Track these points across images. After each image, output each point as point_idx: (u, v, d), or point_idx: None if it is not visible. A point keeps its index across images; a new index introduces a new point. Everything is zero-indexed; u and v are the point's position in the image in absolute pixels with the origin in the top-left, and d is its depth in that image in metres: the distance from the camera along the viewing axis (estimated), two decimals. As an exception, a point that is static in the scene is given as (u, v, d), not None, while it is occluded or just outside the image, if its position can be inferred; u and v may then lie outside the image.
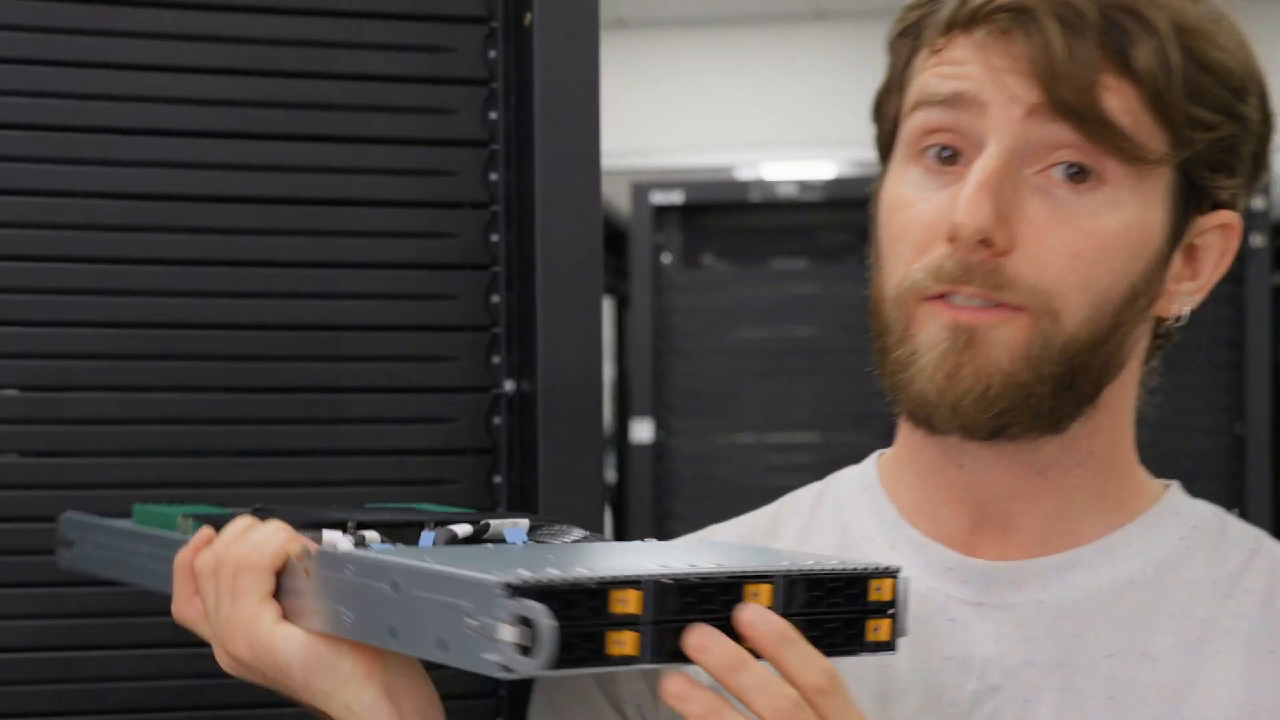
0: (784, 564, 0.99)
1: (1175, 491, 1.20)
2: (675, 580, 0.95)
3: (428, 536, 1.10)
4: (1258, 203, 3.81)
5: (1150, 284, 1.12)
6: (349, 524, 1.09)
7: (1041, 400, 1.09)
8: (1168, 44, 1.07)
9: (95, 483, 1.38)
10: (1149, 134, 1.09)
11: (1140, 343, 1.16)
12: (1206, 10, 1.11)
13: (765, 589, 0.97)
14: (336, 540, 1.05)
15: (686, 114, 7.02)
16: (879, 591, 1.01)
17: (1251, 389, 3.83)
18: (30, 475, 1.37)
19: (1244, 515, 3.76)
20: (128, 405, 1.39)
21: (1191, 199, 1.13)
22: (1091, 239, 1.08)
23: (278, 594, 1.07)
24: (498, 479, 1.46)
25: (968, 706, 1.13)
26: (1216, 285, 1.17)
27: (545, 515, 1.30)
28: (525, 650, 0.91)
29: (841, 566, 1.01)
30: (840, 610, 1.00)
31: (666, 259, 4.07)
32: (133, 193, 1.40)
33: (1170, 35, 1.07)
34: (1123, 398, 1.16)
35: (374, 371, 1.44)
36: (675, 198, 4.06)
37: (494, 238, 1.47)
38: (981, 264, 1.08)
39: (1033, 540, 1.16)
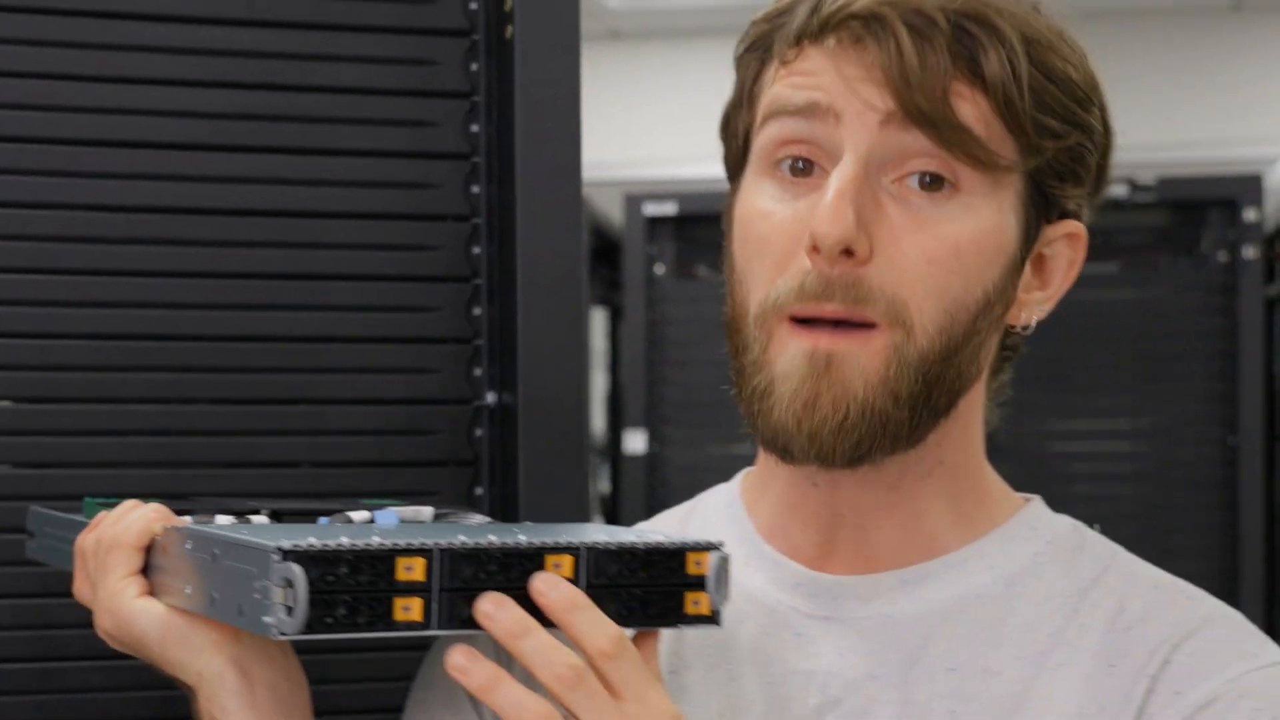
0: (594, 537, 1.03)
1: (1035, 506, 1.21)
2: (465, 549, 0.99)
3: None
4: (1250, 215, 3.82)
5: (1004, 291, 1.13)
6: (245, 511, 1.15)
7: (900, 424, 1.11)
8: (1016, 53, 1.09)
9: (79, 493, 1.37)
10: (1000, 141, 1.10)
11: (989, 354, 1.16)
12: (1049, 22, 1.12)
13: (567, 560, 1.01)
14: (191, 519, 1.11)
15: (679, 125, 7.04)
16: (698, 566, 1.05)
17: (1244, 400, 3.83)
18: (13, 486, 1.37)
19: (1235, 527, 3.79)
20: (110, 416, 1.40)
21: (1041, 207, 1.14)
22: (946, 245, 1.09)
23: (148, 571, 1.12)
24: (479, 491, 1.46)
25: (808, 719, 1.14)
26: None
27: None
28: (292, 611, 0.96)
29: (655, 541, 1.04)
30: (657, 583, 1.04)
31: (659, 270, 4.06)
32: (115, 205, 1.40)
33: (1018, 45, 1.09)
34: (973, 407, 1.17)
35: (356, 383, 1.45)
36: (668, 209, 4.05)
37: (476, 250, 1.47)
38: (842, 277, 1.08)
39: (885, 554, 1.16)
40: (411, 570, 0.98)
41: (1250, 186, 3.89)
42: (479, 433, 1.47)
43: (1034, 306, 1.16)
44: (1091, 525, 1.21)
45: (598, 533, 1.07)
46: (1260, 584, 3.82)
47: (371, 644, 1.15)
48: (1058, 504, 1.20)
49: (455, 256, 1.47)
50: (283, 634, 0.96)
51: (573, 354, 1.44)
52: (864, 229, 1.08)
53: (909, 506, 1.16)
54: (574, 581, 1.01)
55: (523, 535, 1.03)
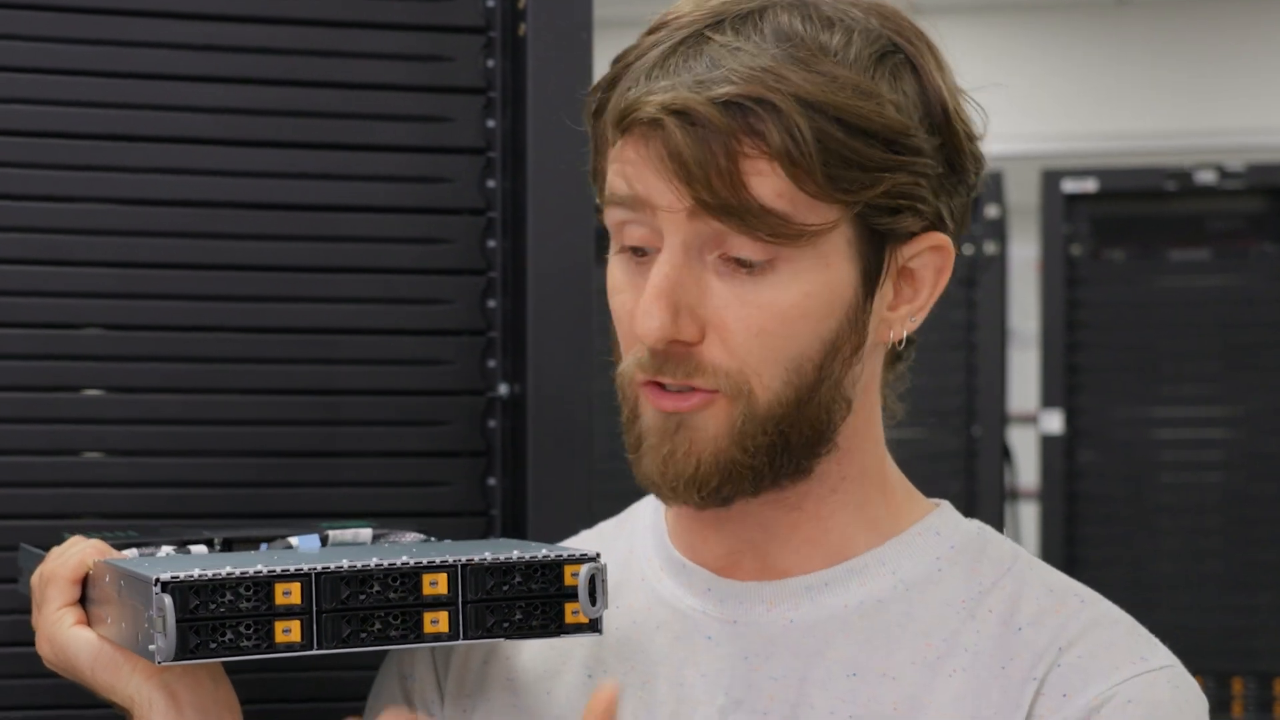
0: (470, 555, 1.09)
1: (942, 511, 1.22)
2: (341, 572, 1.05)
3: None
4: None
5: (852, 332, 1.15)
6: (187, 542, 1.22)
7: (757, 470, 1.15)
8: (799, 122, 1.09)
9: (96, 480, 1.42)
10: (807, 207, 1.11)
11: (866, 372, 1.18)
12: (844, 80, 1.11)
13: (443, 577, 1.08)
14: (126, 554, 1.18)
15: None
16: (575, 577, 1.11)
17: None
18: (24, 474, 1.41)
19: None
20: (127, 406, 1.43)
21: (880, 241, 1.15)
22: (773, 315, 1.12)
23: (86, 603, 1.19)
24: (492, 481, 1.49)
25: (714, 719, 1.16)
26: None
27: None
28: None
29: (532, 555, 1.10)
30: (537, 596, 1.10)
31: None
32: (134, 198, 1.43)
33: (798, 114, 1.09)
34: (861, 425, 1.19)
35: (371, 374, 1.48)
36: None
37: (490, 244, 1.50)
38: (675, 355, 1.13)
39: (791, 564, 1.19)
40: (289, 595, 1.05)
41: (1342, 171, 3.84)
42: (492, 424, 1.49)
43: (903, 320, 1.18)
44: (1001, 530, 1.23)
45: (487, 549, 1.12)
46: (1348, 575, 3.77)
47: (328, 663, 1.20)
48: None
49: (470, 250, 1.49)
50: (162, 660, 1.04)
51: (579, 347, 1.47)
52: (688, 314, 1.12)
53: (815, 522, 1.19)
54: (451, 598, 1.08)
55: (407, 555, 1.09)
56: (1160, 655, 1.15)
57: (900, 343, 1.19)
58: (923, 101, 1.14)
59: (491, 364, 1.49)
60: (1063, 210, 3.92)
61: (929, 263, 1.18)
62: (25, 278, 1.41)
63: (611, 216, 1.16)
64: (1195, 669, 3.84)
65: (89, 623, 1.18)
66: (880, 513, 1.20)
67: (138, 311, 1.44)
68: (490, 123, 1.50)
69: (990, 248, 3.88)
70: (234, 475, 1.45)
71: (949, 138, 1.15)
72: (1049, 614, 1.16)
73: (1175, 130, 6.66)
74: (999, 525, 3.76)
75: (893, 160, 1.12)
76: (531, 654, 1.24)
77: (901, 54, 1.15)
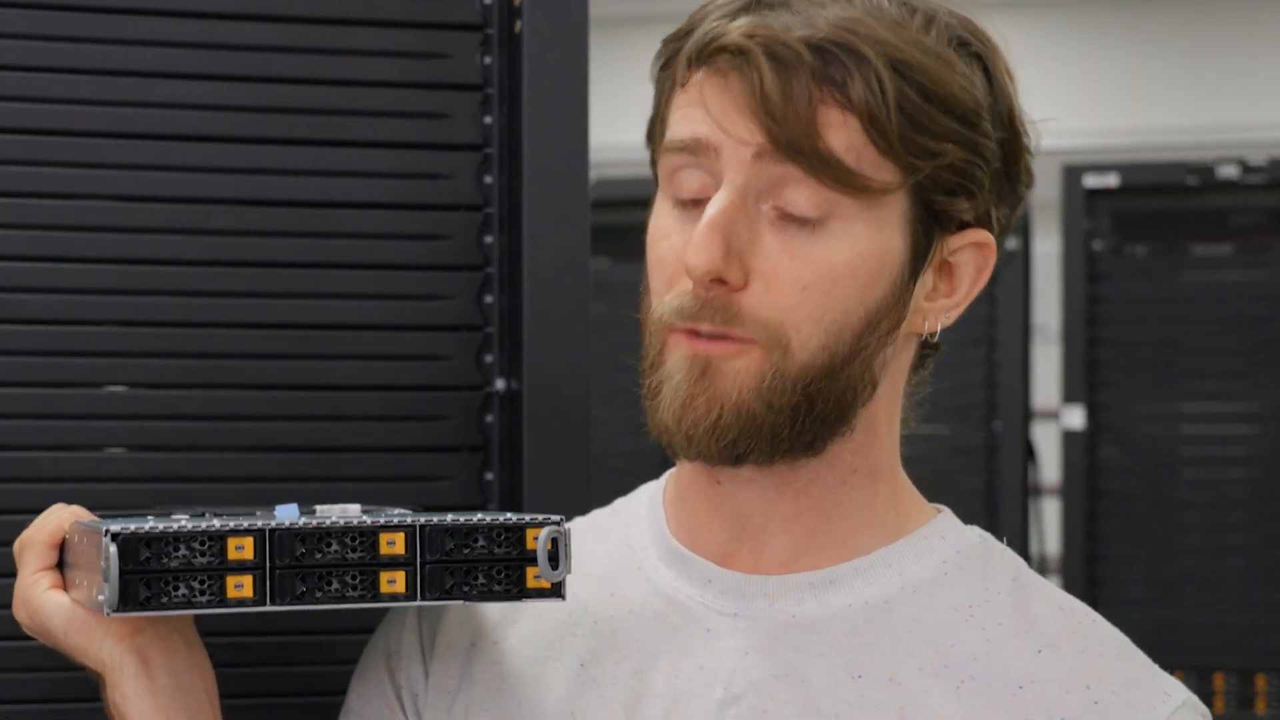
0: (430, 517, 1.10)
1: (945, 516, 1.22)
2: (296, 529, 1.06)
3: None
4: None
5: (893, 307, 1.15)
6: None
7: (777, 429, 1.13)
8: (882, 76, 1.10)
9: (93, 476, 1.43)
10: (873, 165, 1.11)
11: (896, 360, 1.18)
12: (929, 44, 1.12)
13: (400, 537, 1.09)
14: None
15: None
16: (537, 541, 1.11)
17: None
18: (27, 469, 1.42)
19: None
20: (126, 401, 1.44)
21: (932, 222, 1.15)
22: (822, 271, 1.12)
23: (63, 567, 1.19)
24: (490, 476, 1.50)
25: (710, 714, 1.16)
26: None
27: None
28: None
29: (493, 519, 1.10)
30: (498, 559, 1.10)
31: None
32: (132, 195, 1.44)
33: (884, 67, 1.10)
34: (881, 416, 1.19)
35: (369, 370, 1.49)
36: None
37: (488, 239, 1.50)
38: (716, 299, 1.12)
39: (791, 555, 1.18)
40: (242, 549, 1.06)
41: (1367, 165, 3.82)
42: (489, 419, 1.50)
43: (939, 314, 1.18)
44: (1000, 537, 1.23)
45: (450, 513, 1.13)
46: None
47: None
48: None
49: (468, 245, 1.50)
50: (111, 611, 1.05)
51: (576, 342, 1.47)
52: (738, 258, 1.12)
53: (820, 513, 1.18)
54: (409, 558, 1.09)
55: (367, 516, 1.10)
56: (1175, 686, 1.15)
57: (932, 336, 1.19)
58: (991, 96, 1.15)
59: (489, 359, 1.50)
60: (1084, 205, 3.91)
61: (970, 260, 1.18)
62: (20, 274, 1.42)
63: (667, 163, 1.16)
64: (1218, 665, 3.83)
65: (65, 588, 1.18)
66: (887, 514, 1.20)
67: (134, 307, 1.44)
68: (487, 119, 1.50)
69: (1012, 243, 3.87)
70: (231, 470, 1.46)
71: (1010, 140, 1.16)
72: (1066, 635, 1.16)
73: (1197, 125, 6.63)
74: (1022, 522, 3.78)
75: (962, 134, 1.13)
76: (521, 638, 1.23)
77: (975, 49, 1.16)
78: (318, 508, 1.17)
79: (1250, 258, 3.87)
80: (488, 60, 1.50)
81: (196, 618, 1.19)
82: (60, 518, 1.19)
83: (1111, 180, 3.93)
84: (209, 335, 1.46)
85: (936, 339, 1.19)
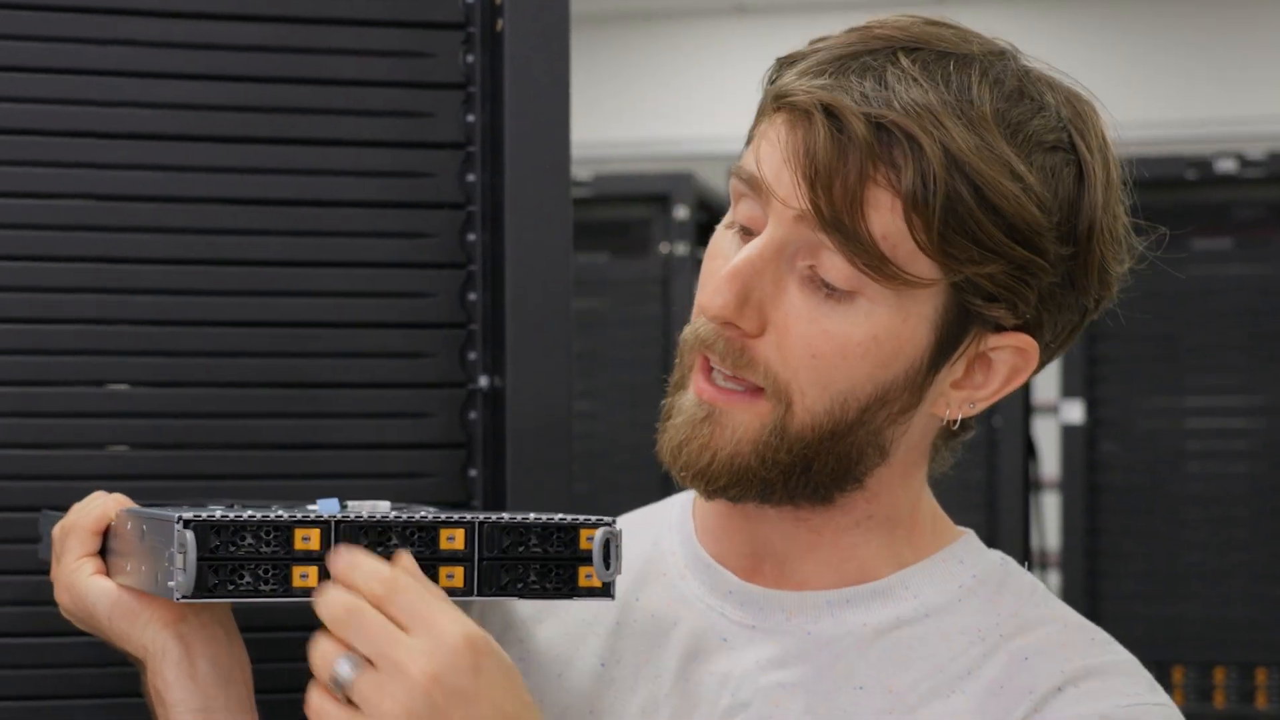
0: (488, 515, 1.11)
1: (967, 540, 1.23)
2: (361, 522, 1.08)
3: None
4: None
5: (907, 390, 1.14)
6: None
7: (769, 483, 1.15)
8: (937, 171, 1.08)
9: (77, 474, 1.43)
10: (910, 256, 1.10)
11: (913, 435, 1.18)
12: (999, 150, 1.10)
13: (460, 533, 1.10)
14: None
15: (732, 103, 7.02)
16: (590, 541, 1.12)
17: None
18: (12, 467, 1.43)
19: None
20: (110, 400, 1.45)
21: (967, 319, 1.14)
22: (836, 345, 1.12)
23: (106, 554, 1.21)
24: (473, 473, 1.50)
25: (717, 718, 1.18)
26: None
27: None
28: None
29: (548, 518, 1.12)
30: (551, 558, 1.12)
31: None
32: (115, 194, 1.45)
33: (941, 164, 1.08)
34: (896, 478, 1.19)
35: (353, 367, 1.49)
36: None
37: (470, 237, 1.51)
38: (732, 340, 1.13)
39: (811, 579, 1.20)
40: (309, 540, 1.07)
41: (1363, 156, 3.82)
42: (472, 416, 1.50)
43: (963, 403, 1.17)
44: (999, 532, 1.23)
45: (505, 512, 1.15)
46: (1373, 565, 3.75)
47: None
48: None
49: (451, 243, 1.50)
50: (182, 596, 1.06)
51: (559, 339, 1.48)
52: (756, 307, 1.13)
53: (834, 548, 1.20)
54: (468, 554, 1.10)
55: (426, 512, 1.11)
56: (1160, 696, 1.15)
57: (952, 424, 1.18)
58: (1071, 209, 1.13)
59: (472, 356, 1.50)
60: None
61: (1008, 360, 1.16)
62: (6, 273, 1.43)
63: (734, 186, 1.16)
64: (1219, 660, 3.82)
65: (108, 573, 1.19)
66: (903, 547, 1.21)
67: (116, 306, 1.45)
68: (469, 117, 1.51)
69: (1011, 239, 3.87)
70: (216, 468, 1.46)
71: (1083, 254, 1.14)
72: (1056, 647, 1.16)
73: (1195, 119, 6.63)
74: (1022, 517, 3.78)
75: (1010, 249, 1.10)
76: (547, 636, 1.26)
77: (1074, 155, 1.14)
78: (349, 503, 1.19)
79: (1250, 252, 3.87)
80: (470, 59, 1.51)
81: (235, 610, 1.21)
82: (104, 505, 1.21)
83: None
84: (192, 333, 1.46)
85: (957, 426, 1.18)
